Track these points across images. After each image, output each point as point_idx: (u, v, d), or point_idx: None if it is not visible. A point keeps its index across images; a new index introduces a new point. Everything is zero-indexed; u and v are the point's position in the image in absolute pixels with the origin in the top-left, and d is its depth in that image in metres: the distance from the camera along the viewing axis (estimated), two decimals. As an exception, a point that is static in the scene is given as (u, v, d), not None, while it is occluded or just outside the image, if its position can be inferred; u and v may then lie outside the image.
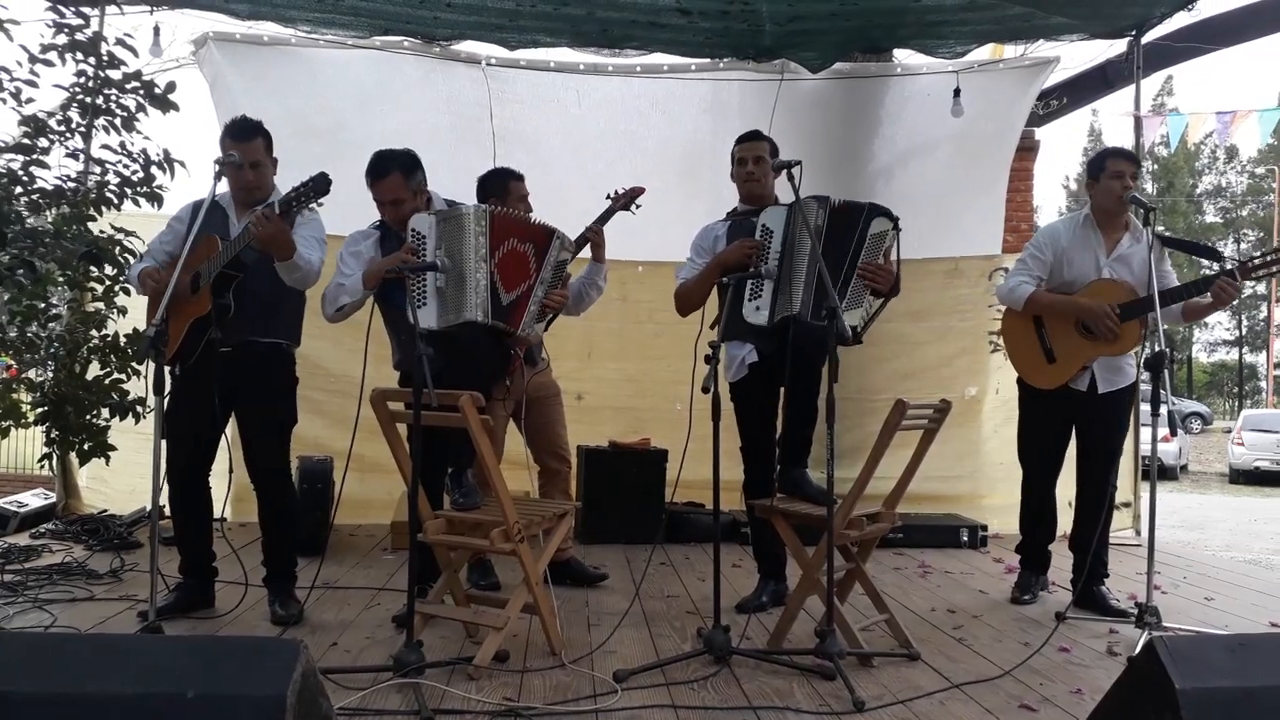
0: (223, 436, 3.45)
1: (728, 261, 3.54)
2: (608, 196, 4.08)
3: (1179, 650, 1.76)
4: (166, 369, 3.23)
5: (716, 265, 3.60)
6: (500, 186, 3.99)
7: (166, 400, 3.30)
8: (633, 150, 5.97)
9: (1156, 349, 3.26)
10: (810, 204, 3.35)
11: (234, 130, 3.41)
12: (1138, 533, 5.53)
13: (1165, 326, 3.33)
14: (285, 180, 3.56)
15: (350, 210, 3.72)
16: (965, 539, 5.30)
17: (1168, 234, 3.96)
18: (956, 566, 4.78)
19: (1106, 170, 3.72)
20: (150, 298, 3.45)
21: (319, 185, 3.07)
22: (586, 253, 3.99)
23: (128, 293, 4.61)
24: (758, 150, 3.74)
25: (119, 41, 4.51)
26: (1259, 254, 3.74)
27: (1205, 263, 3.81)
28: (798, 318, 3.35)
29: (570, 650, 3.10)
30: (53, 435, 4.61)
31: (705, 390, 2.94)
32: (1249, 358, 41.89)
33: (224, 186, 3.38)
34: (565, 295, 3.57)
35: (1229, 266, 3.54)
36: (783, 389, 3.57)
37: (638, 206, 4.13)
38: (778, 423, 3.67)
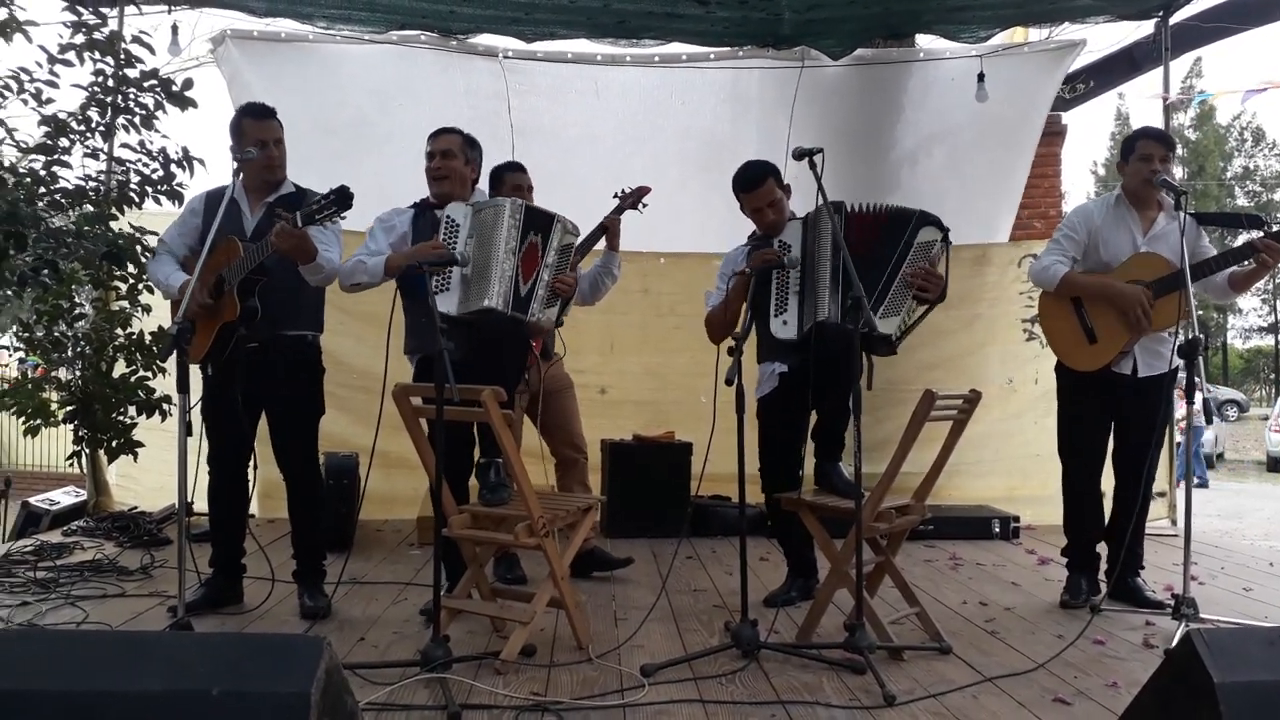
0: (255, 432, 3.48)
1: (744, 281, 3.46)
2: (615, 195, 4.04)
3: (1217, 643, 1.72)
4: (197, 368, 3.25)
5: (737, 287, 3.55)
6: (496, 179, 4.00)
7: (203, 398, 3.34)
8: (651, 140, 5.94)
9: (1190, 336, 3.19)
10: (823, 213, 3.26)
11: (252, 111, 3.44)
12: (1173, 523, 5.44)
13: (1214, 301, 3.26)
14: (302, 177, 3.57)
15: (369, 205, 3.68)
16: (997, 530, 5.23)
17: (1201, 212, 3.85)
18: (988, 559, 4.71)
19: (1136, 151, 3.65)
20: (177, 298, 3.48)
21: (341, 199, 3.04)
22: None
23: (151, 291, 4.64)
24: (770, 196, 3.60)
25: (136, 39, 4.53)
26: None
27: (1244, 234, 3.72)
28: (824, 322, 3.29)
29: (597, 645, 3.09)
30: (81, 433, 4.65)
31: (729, 383, 2.90)
32: (1284, 343, 41.16)
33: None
34: (574, 279, 3.52)
35: (1274, 230, 3.44)
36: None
37: (644, 206, 4.09)
38: (802, 447, 3.61)
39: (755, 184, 3.62)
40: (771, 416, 3.64)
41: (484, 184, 3.94)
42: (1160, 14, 5.56)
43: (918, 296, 3.33)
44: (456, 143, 3.55)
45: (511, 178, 4.00)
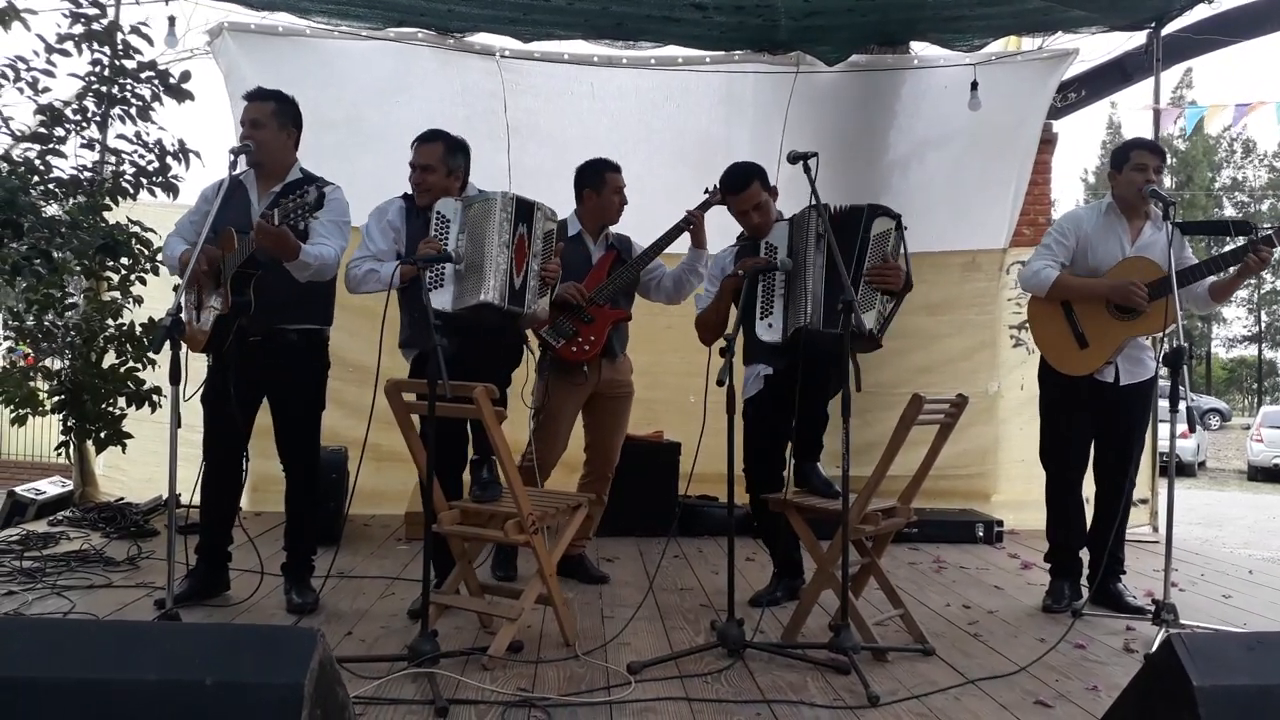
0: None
1: (736, 283, 3.49)
2: (705, 190, 4.02)
3: (1197, 647, 1.75)
4: (198, 358, 3.25)
5: (727, 289, 3.60)
6: (596, 177, 4.00)
7: (203, 385, 3.35)
8: (647, 142, 5.93)
9: (1175, 345, 3.24)
10: (810, 214, 3.33)
11: (249, 94, 3.49)
12: (1155, 529, 5.49)
13: (1196, 311, 3.29)
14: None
15: (368, 201, 3.72)
16: (981, 534, 5.27)
17: (1187, 221, 3.88)
18: (972, 562, 4.75)
19: (1130, 161, 3.68)
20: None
21: (314, 202, 3.07)
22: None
23: (144, 282, 4.64)
24: (755, 199, 3.64)
25: (134, 30, 4.52)
26: None
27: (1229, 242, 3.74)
28: (808, 328, 3.33)
29: (584, 642, 3.11)
30: (69, 423, 4.64)
31: (720, 383, 2.93)
32: (1268, 354, 41.51)
33: (244, 163, 3.38)
34: (557, 266, 3.52)
35: (1264, 233, 3.44)
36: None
37: None
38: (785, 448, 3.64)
39: (740, 187, 3.67)
40: (758, 415, 3.68)
41: (484, 183, 3.94)
42: (1152, 25, 5.62)
43: (884, 290, 3.37)
44: (436, 155, 3.54)
45: (613, 179, 4.02)
